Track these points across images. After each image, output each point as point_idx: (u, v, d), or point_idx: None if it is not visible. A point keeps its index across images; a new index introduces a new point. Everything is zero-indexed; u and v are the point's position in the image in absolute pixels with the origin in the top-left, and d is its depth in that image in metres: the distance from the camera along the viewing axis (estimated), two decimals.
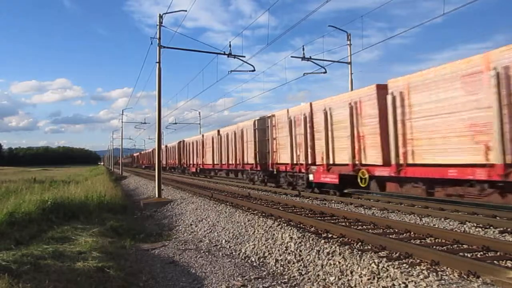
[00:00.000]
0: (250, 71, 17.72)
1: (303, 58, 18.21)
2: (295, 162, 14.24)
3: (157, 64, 14.86)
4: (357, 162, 10.92)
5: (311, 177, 13.09)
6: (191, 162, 32.37)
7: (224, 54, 16.07)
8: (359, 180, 10.69)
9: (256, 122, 17.92)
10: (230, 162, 21.85)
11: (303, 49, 18.11)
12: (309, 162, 13.24)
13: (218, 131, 24.55)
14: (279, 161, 15.63)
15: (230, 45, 16.00)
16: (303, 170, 13.67)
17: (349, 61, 18.85)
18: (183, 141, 36.15)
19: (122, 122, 47.14)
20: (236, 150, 20.65)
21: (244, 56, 16.52)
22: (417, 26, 13.36)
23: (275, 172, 15.89)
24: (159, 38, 14.86)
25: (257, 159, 17.60)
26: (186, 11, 14.98)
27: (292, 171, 14.54)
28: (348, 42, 18.63)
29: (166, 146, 43.63)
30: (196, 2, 15.56)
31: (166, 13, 14.86)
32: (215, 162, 25.14)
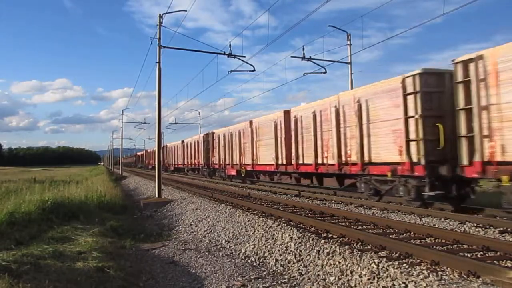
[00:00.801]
0: (250, 71, 17.74)
1: (303, 58, 18.21)
2: None
3: (157, 64, 14.87)
4: None
5: None
6: (227, 161, 23.64)
7: (224, 54, 16.08)
8: None
9: (415, 79, 9.05)
10: (320, 161, 12.91)
11: (303, 49, 18.08)
12: None
13: (287, 112, 15.52)
14: (504, 156, 7.36)
15: (230, 45, 16.02)
16: None
17: (349, 61, 18.86)
18: (212, 133, 27.32)
19: (122, 122, 47.22)
20: (341, 140, 11.70)
21: (244, 56, 16.54)
22: (417, 26, 13.17)
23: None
24: (159, 38, 14.88)
25: (421, 154, 8.83)
26: (186, 11, 15.01)
27: None
28: (348, 42, 18.64)
29: (182, 142, 36.55)
30: (196, 3, 15.57)
31: (166, 13, 14.89)
32: (280, 162, 16.12)
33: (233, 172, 22.69)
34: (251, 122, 19.69)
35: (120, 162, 55.14)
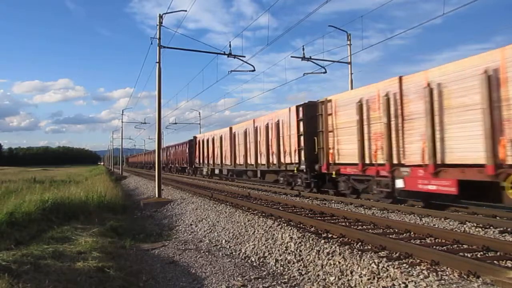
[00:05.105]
0: (250, 71, 17.74)
1: (303, 58, 18.20)
2: None
3: (157, 64, 14.87)
4: None
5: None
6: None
7: (224, 54, 16.09)
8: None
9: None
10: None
11: (303, 49, 18.13)
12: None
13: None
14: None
15: (230, 45, 16.03)
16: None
17: (349, 61, 18.85)
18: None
19: (122, 122, 47.22)
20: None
21: (244, 56, 16.55)
22: (416, 27, 13.30)
23: None
24: (159, 38, 14.89)
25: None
26: (186, 11, 15.00)
27: None
28: (348, 42, 18.62)
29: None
30: (198, 4, 15.63)
31: (166, 13, 14.89)
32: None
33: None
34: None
35: (120, 162, 55.16)
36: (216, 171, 25.15)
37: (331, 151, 12.29)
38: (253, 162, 18.41)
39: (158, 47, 14.87)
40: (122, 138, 51.78)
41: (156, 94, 15.04)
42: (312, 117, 13.27)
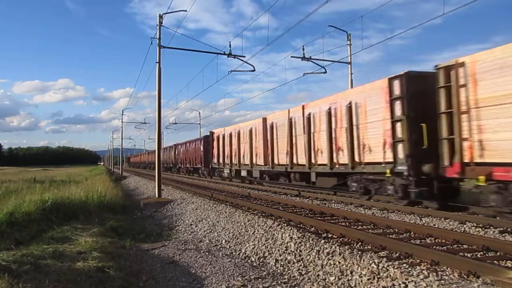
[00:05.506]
0: (250, 71, 17.76)
1: (303, 58, 18.22)
2: None
3: (157, 64, 14.88)
4: None
5: None
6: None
7: (224, 54, 16.11)
8: None
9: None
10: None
11: (303, 49, 18.13)
12: None
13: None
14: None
15: (230, 45, 16.04)
16: None
17: (349, 61, 18.86)
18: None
19: (122, 122, 47.27)
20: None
21: (244, 56, 16.58)
22: (416, 27, 13.21)
23: None
24: (159, 38, 14.90)
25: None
26: (186, 11, 15.02)
27: None
28: (348, 42, 18.64)
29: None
30: (198, 4, 15.66)
31: (166, 13, 14.91)
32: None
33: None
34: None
35: (120, 162, 55.22)
36: (243, 173, 20.36)
37: (466, 143, 7.95)
38: (303, 161, 13.92)
39: (158, 47, 14.88)
40: (122, 138, 51.89)
41: (156, 94, 15.06)
42: (418, 93, 9.20)
